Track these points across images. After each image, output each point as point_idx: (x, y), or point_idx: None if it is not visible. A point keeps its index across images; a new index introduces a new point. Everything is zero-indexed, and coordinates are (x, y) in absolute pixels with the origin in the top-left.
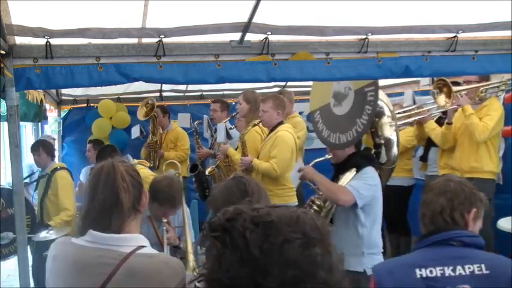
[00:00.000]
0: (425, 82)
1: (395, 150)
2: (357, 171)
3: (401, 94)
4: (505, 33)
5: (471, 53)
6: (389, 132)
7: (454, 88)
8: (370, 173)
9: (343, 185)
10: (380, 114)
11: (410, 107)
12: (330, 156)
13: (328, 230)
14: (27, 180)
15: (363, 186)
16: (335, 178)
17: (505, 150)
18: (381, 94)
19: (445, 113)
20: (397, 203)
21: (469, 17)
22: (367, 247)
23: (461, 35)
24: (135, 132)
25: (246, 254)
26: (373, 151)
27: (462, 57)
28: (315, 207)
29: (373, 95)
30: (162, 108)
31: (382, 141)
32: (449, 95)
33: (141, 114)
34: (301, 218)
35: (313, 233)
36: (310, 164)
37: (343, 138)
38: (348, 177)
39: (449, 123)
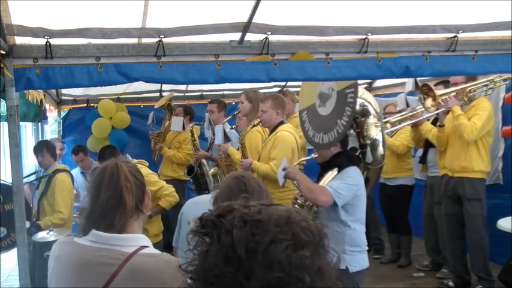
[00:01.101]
0: (409, 87)
1: (381, 150)
2: (339, 171)
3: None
4: (505, 33)
5: (471, 53)
6: (374, 132)
7: (438, 92)
8: (352, 173)
9: (323, 186)
10: (365, 113)
11: (405, 111)
12: (315, 156)
13: (323, 232)
14: (26, 180)
15: (342, 186)
16: (320, 177)
17: (505, 150)
18: (367, 94)
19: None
20: (400, 202)
21: (469, 17)
22: (349, 245)
23: (461, 35)
24: (151, 117)
25: (231, 252)
26: (358, 151)
27: (462, 57)
28: (297, 206)
29: (352, 97)
30: (186, 109)
31: (368, 142)
32: (435, 98)
33: (159, 103)
34: (293, 219)
35: (304, 234)
36: (295, 163)
37: (325, 138)
38: (328, 177)
39: (441, 126)
